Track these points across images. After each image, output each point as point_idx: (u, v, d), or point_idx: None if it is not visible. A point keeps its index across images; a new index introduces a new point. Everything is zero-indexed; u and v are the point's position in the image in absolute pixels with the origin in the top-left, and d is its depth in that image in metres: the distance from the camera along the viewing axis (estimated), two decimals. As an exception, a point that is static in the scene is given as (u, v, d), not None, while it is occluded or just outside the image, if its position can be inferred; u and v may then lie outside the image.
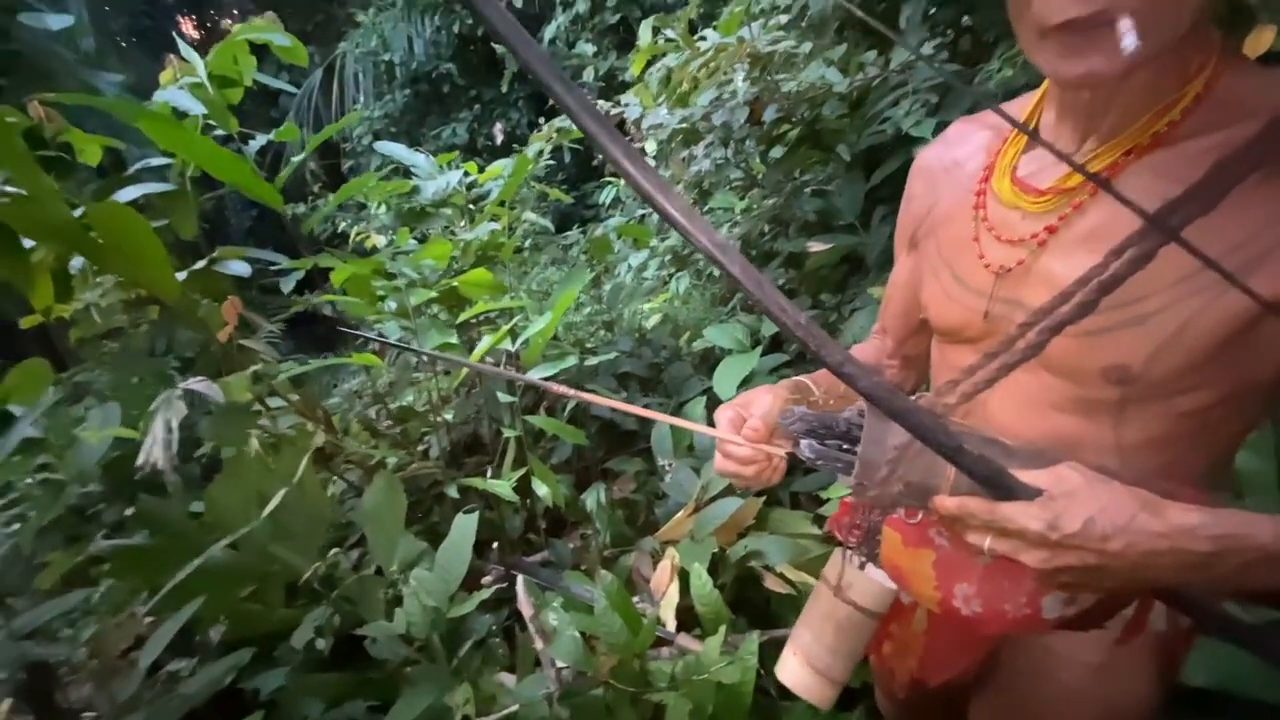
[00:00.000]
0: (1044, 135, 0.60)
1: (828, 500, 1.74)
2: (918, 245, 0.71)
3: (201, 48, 2.12)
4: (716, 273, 2.78)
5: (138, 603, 1.46)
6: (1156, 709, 0.64)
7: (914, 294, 0.73)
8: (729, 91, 1.86)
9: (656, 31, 2.57)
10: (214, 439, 1.28)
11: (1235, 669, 0.87)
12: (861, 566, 0.65)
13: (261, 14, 2.31)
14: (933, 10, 1.79)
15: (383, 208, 3.24)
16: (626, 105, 2.38)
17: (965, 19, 1.72)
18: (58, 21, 3.16)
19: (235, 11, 10.42)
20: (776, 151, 2.31)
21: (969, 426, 0.56)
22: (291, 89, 2.68)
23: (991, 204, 0.61)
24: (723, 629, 1.19)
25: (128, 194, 1.96)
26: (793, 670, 0.68)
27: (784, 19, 1.96)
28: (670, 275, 3.14)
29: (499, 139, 6.84)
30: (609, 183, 5.17)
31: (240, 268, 2.14)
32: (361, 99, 7.45)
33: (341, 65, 7.50)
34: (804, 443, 0.53)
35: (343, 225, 5.47)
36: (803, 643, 0.68)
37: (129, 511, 1.50)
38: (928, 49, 1.60)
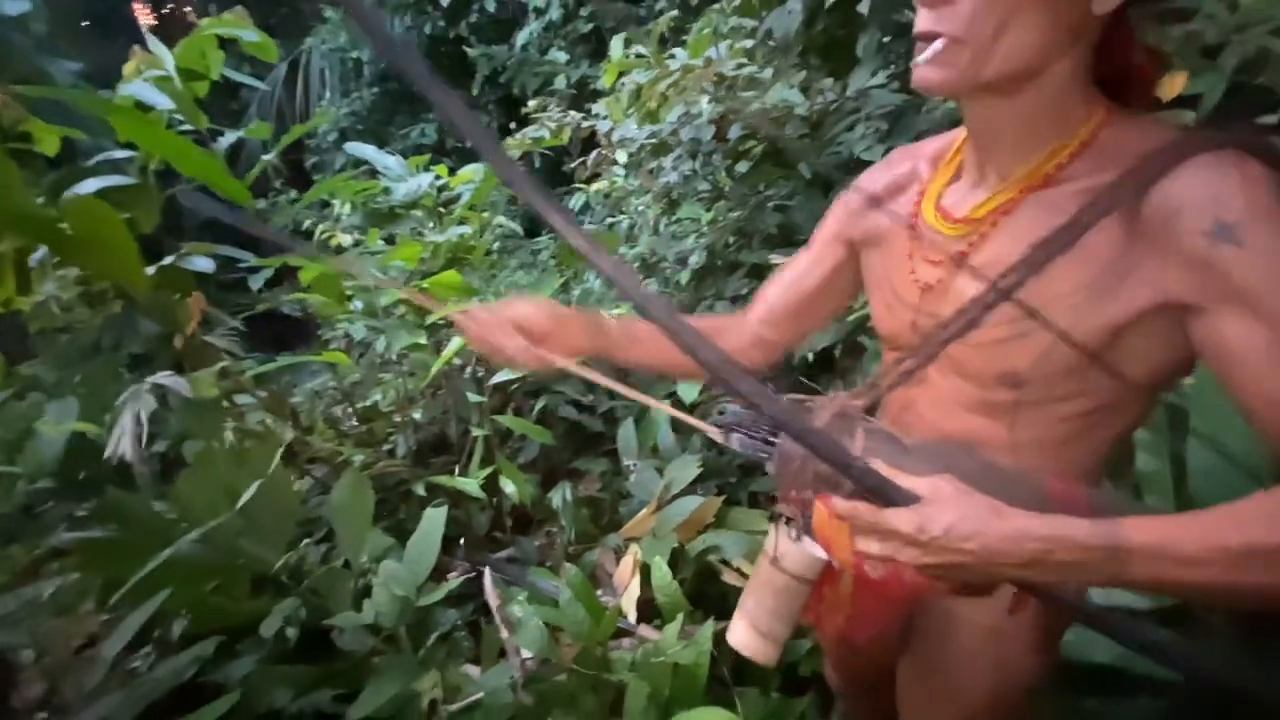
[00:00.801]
0: (966, 168, 0.69)
1: (783, 499, 1.83)
2: (850, 248, 0.81)
3: (157, 34, 2.10)
4: (684, 280, 2.87)
5: (90, 600, 1.44)
6: (1039, 668, 0.73)
7: (808, 285, 0.83)
8: (696, 109, 1.95)
9: (628, 44, 2.65)
10: (186, 433, 1.29)
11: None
12: (797, 539, 0.73)
13: (221, 3, 2.31)
14: (886, 40, 1.91)
15: (348, 207, 3.24)
16: (598, 116, 2.45)
17: (916, 50, 1.83)
18: (14, 6, 3.08)
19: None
20: (742, 166, 2.41)
21: (877, 424, 0.64)
22: (258, 84, 2.68)
23: (922, 226, 0.70)
24: (680, 616, 1.26)
25: (88, 186, 1.94)
26: (739, 633, 0.76)
27: (749, 43, 2.06)
28: (640, 282, 3.22)
29: (469, 141, 6.85)
30: (579, 189, 5.24)
31: (205, 264, 2.13)
32: (328, 95, 7.34)
33: (307, 61, 7.39)
34: (734, 436, 0.61)
35: (307, 223, 5.40)
36: (748, 609, 0.76)
37: (84, 506, 1.49)
38: (880, 78, 1.72)
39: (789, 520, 0.73)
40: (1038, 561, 0.49)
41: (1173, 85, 1.40)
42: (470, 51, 6.35)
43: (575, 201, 5.01)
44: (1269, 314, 0.49)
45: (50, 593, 1.48)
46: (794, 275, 0.86)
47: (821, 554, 0.73)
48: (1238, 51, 1.42)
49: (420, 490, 1.75)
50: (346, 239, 3.21)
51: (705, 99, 1.87)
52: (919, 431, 0.70)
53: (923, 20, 0.57)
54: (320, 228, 3.45)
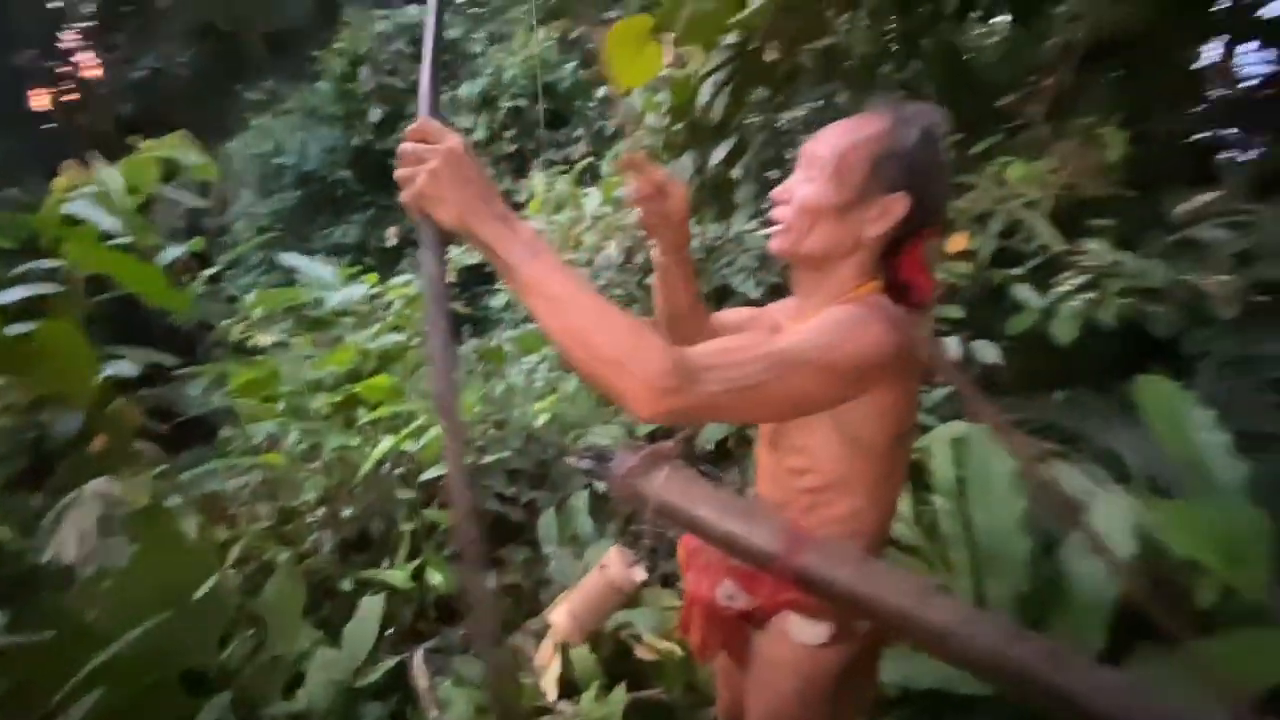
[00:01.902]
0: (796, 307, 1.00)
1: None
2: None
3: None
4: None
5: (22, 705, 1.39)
6: (847, 686, 0.94)
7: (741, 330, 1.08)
8: (605, 254, 2.32)
9: (548, 165, 3.05)
10: (129, 539, 1.35)
11: (919, 669, 1.25)
12: (630, 564, 0.98)
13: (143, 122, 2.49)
14: (758, 191, 2.39)
15: (259, 307, 3.32)
16: None
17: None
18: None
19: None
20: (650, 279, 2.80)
21: (685, 467, 0.90)
22: (201, 202, 2.83)
23: None
24: (595, 684, 1.42)
25: (12, 295, 2.00)
26: (560, 614, 1.01)
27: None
28: (559, 376, 3.46)
29: (392, 241, 7.02)
30: (500, 290, 5.53)
31: (128, 368, 2.19)
32: (247, 196, 7.41)
33: (227, 162, 7.50)
34: (585, 462, 0.88)
35: (215, 321, 5.32)
36: (573, 598, 1.02)
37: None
38: (754, 224, 2.15)
39: (634, 543, 1.00)
40: (471, 232, 0.68)
41: (956, 243, 1.89)
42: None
43: (498, 300, 5.29)
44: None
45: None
46: (735, 324, 1.08)
47: (637, 578, 0.98)
48: (1002, 218, 1.93)
49: (347, 585, 1.83)
50: (267, 339, 3.29)
51: (613, 243, 2.23)
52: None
53: (774, 210, 0.90)
54: (237, 328, 3.49)
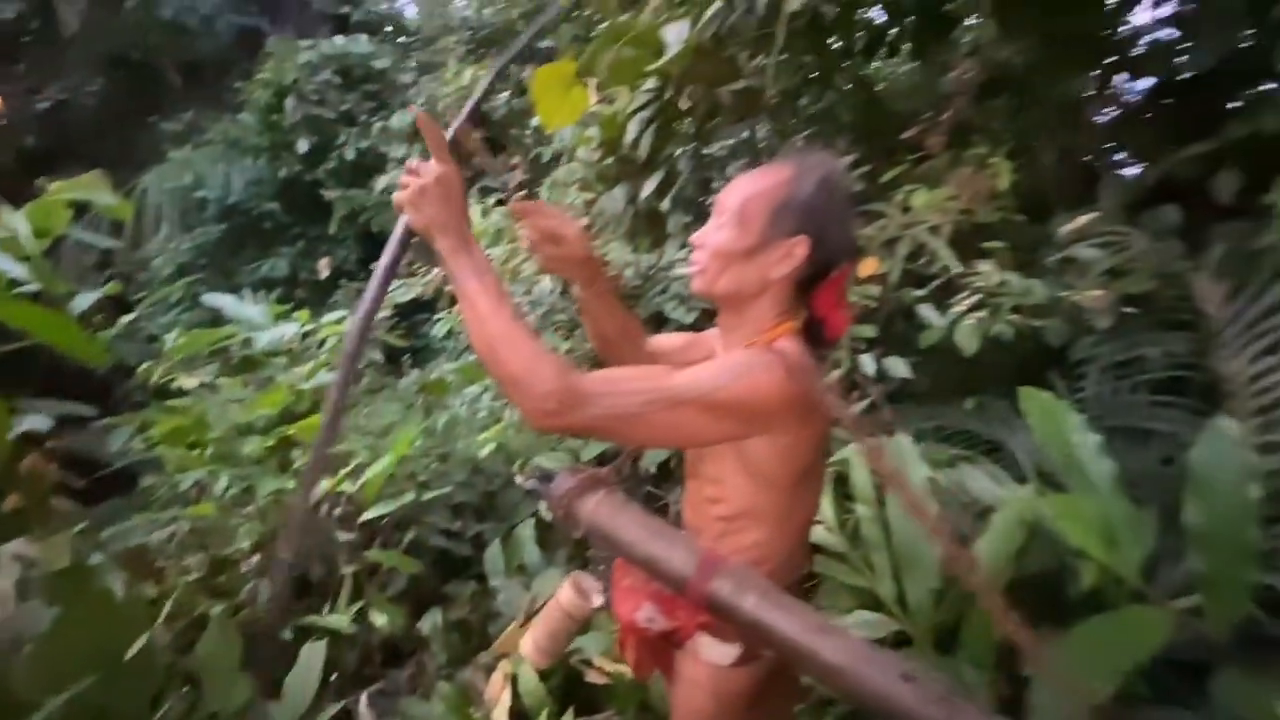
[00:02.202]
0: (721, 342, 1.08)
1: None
2: None
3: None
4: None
5: None
6: (757, 704, 1.01)
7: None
8: (540, 286, 2.38)
9: (486, 194, 3.09)
10: (50, 601, 1.28)
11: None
12: (581, 595, 1.04)
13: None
14: (689, 221, 2.50)
15: (183, 350, 3.20)
16: None
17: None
18: None
19: None
20: None
21: (620, 493, 0.97)
22: (114, 244, 2.72)
23: None
24: (545, 711, 1.45)
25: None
26: (526, 643, 1.10)
27: (584, 220, 2.56)
28: (504, 404, 3.45)
29: (324, 273, 6.81)
30: (441, 319, 5.48)
31: (41, 422, 2.08)
32: (165, 231, 7.07)
33: (143, 196, 7.15)
34: (530, 482, 0.94)
35: (133, 362, 5.03)
36: (535, 628, 1.10)
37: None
38: (684, 253, 2.26)
39: (590, 568, 1.06)
40: (434, 241, 0.84)
41: (867, 267, 2.03)
42: (328, 194, 6.55)
43: (439, 328, 5.24)
44: None
45: None
46: (673, 349, 1.14)
47: (592, 605, 1.04)
48: (908, 243, 2.09)
49: (287, 634, 1.78)
50: (191, 381, 3.16)
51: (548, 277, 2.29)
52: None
53: (693, 254, 0.98)
54: (158, 370, 3.34)
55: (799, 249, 0.91)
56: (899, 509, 1.49)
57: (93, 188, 2.47)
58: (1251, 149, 2.05)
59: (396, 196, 0.86)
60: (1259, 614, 1.37)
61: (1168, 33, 2.44)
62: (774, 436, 0.88)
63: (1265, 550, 1.45)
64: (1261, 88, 2.24)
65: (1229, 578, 1.19)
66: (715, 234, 0.95)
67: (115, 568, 1.58)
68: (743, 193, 0.94)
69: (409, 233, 0.91)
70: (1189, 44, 2.25)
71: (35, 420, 2.06)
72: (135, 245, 7.11)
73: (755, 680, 0.98)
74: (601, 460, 2.55)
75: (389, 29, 8.37)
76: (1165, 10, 2.76)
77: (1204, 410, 1.83)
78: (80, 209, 2.34)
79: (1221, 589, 1.20)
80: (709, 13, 1.85)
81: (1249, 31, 2.13)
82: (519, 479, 1.04)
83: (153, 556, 2.13)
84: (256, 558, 2.26)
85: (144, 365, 3.40)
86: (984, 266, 1.91)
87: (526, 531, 2.28)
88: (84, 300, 2.10)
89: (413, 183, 0.85)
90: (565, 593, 1.08)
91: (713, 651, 0.98)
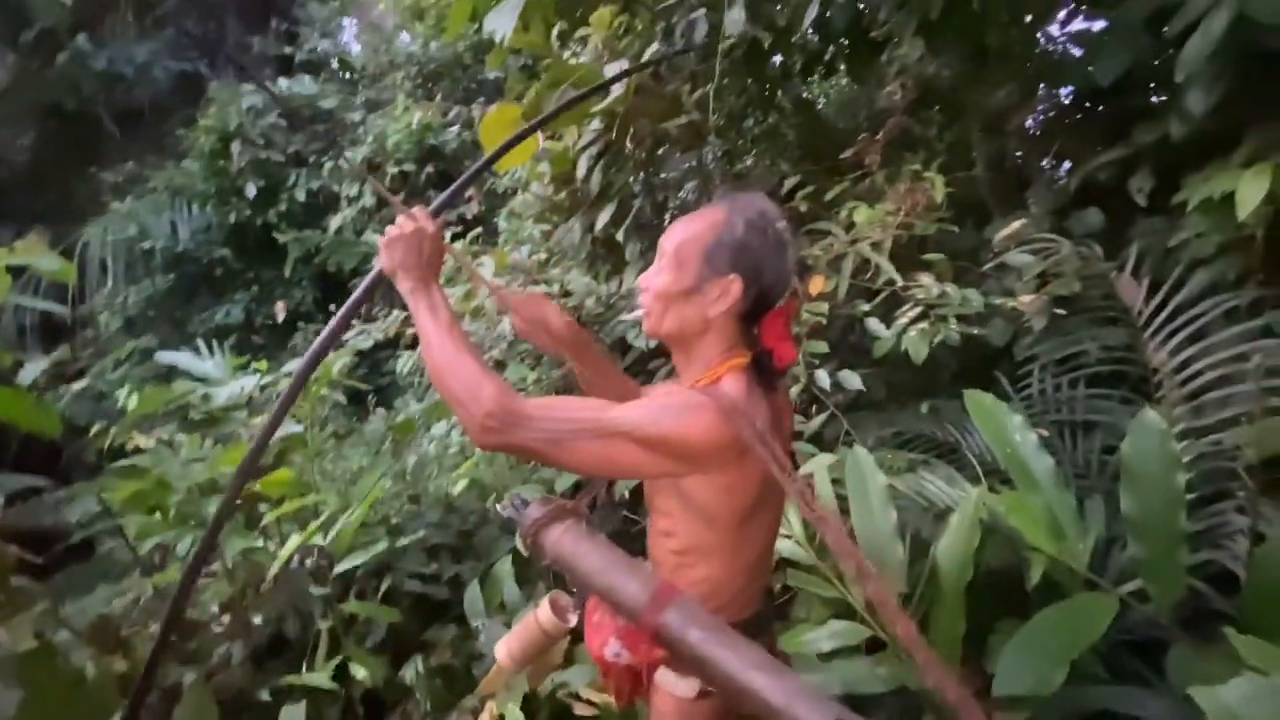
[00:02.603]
0: None
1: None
2: None
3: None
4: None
5: None
6: None
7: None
8: (500, 327, 2.41)
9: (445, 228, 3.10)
10: (17, 684, 1.24)
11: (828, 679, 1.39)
12: (557, 614, 1.07)
13: None
14: (645, 247, 2.56)
15: (133, 400, 3.11)
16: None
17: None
18: None
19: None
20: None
21: (583, 526, 0.99)
22: (62, 309, 2.65)
23: None
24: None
25: None
26: (500, 648, 1.11)
27: (543, 255, 2.61)
28: (473, 439, 3.43)
29: (280, 316, 6.66)
30: (403, 356, 5.42)
31: (-10, 498, 2.01)
32: (110, 284, 6.85)
33: (83, 250, 6.91)
34: (508, 510, 0.98)
35: (82, 422, 4.84)
36: (509, 636, 1.12)
37: None
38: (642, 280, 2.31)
39: (561, 590, 1.10)
40: (398, 282, 0.98)
41: (815, 284, 2.11)
42: (281, 237, 6.45)
43: (402, 364, 5.19)
44: None
45: None
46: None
47: (566, 623, 1.07)
48: (852, 259, 2.18)
49: (265, 696, 1.75)
50: (147, 441, 3.08)
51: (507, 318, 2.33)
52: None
53: (640, 297, 1.04)
54: (112, 430, 3.24)
55: (734, 286, 0.95)
56: (863, 518, 1.55)
57: (32, 252, 2.41)
58: (1163, 151, 2.20)
59: (380, 240, 1.00)
60: (1205, 589, 1.48)
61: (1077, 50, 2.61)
62: (710, 476, 0.92)
63: (1204, 528, 1.57)
64: (1165, 97, 2.42)
65: (1165, 561, 1.27)
66: (656, 277, 1.01)
67: (81, 644, 1.54)
68: (678, 237, 1.00)
69: (379, 274, 1.05)
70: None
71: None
72: (80, 300, 6.88)
73: (720, 713, 1.01)
74: (577, 488, 2.57)
75: (334, 66, 8.33)
76: (1075, 26, 2.97)
77: (1139, 400, 1.95)
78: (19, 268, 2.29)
79: (1159, 572, 1.28)
80: (649, 52, 1.92)
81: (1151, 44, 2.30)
82: (498, 506, 1.07)
83: (117, 626, 2.06)
84: (227, 618, 2.21)
85: (97, 427, 3.30)
86: (924, 279, 2.00)
87: (505, 568, 2.28)
88: (32, 370, 2.05)
89: (394, 230, 0.98)
90: (543, 609, 1.09)
91: (675, 686, 1.01)
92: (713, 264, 0.96)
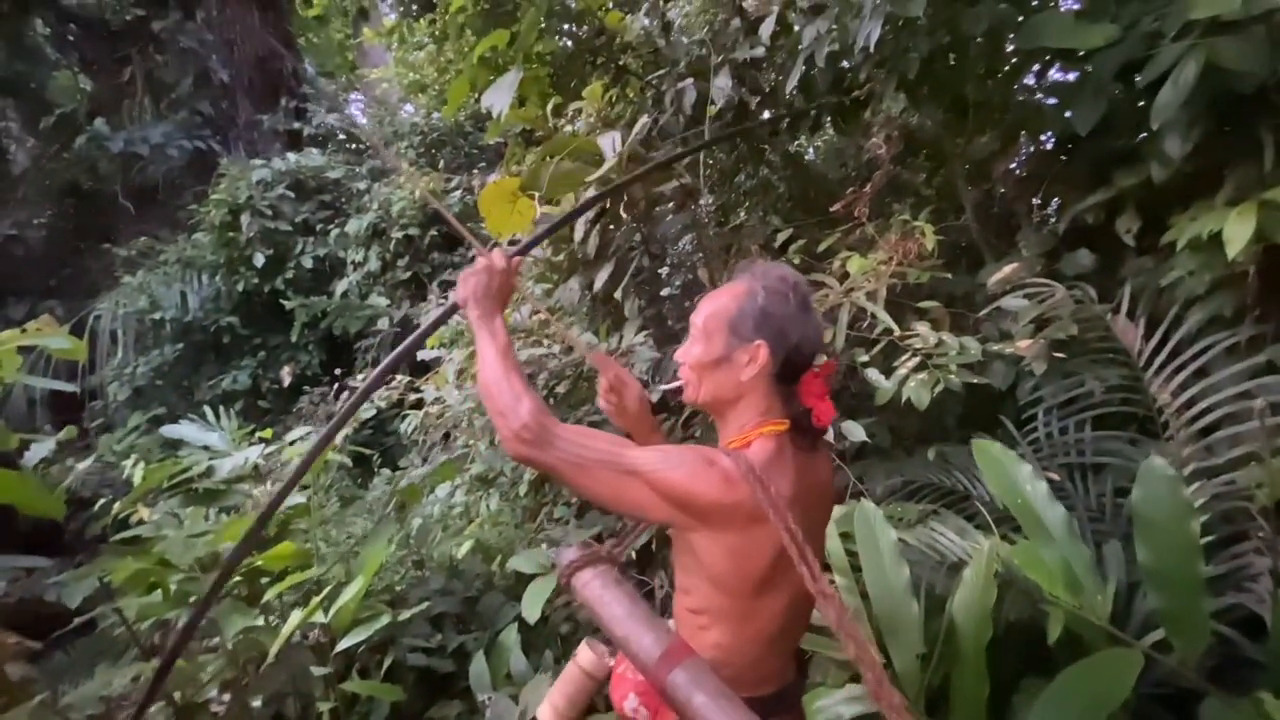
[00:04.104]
0: None
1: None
2: None
3: None
4: (523, 490, 3.13)
5: None
6: None
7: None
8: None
9: (448, 289, 3.16)
10: None
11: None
12: (599, 655, 1.09)
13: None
14: (643, 304, 2.60)
15: (139, 471, 3.11)
16: (422, 390, 2.86)
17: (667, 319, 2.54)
18: None
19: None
20: (562, 387, 2.91)
21: (612, 571, 0.99)
22: (70, 387, 2.68)
23: None
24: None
25: None
26: (543, 709, 1.09)
27: (542, 315, 2.64)
28: (480, 498, 3.39)
29: (287, 380, 6.71)
30: (408, 414, 5.43)
31: (-8, 582, 1.99)
32: (120, 355, 6.96)
33: (95, 322, 7.05)
34: (551, 551, 0.98)
35: (86, 493, 4.82)
36: (553, 692, 1.10)
37: None
38: (640, 336, 2.33)
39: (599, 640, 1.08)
40: (466, 311, 1.10)
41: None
42: (288, 303, 6.57)
43: (406, 425, 5.19)
44: None
45: None
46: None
47: (609, 662, 1.07)
48: (848, 309, 2.19)
49: (263, 786, 1.67)
50: (150, 513, 3.06)
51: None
52: None
53: (679, 370, 1.09)
54: (116, 505, 3.22)
55: (761, 351, 1.00)
56: (874, 576, 1.52)
57: (44, 332, 2.46)
58: (1147, 192, 2.24)
59: (462, 274, 1.13)
60: (1234, 635, 1.42)
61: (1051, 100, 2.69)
62: (715, 534, 0.93)
63: (1227, 572, 1.52)
64: (1145, 136, 2.47)
65: (1186, 611, 1.23)
66: (689, 350, 1.08)
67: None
68: (705, 311, 1.07)
69: (452, 306, 1.23)
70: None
71: (-16, 582, 1.97)
72: (90, 371, 6.98)
73: None
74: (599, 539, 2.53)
75: (341, 137, 8.66)
76: (1051, 76, 3.07)
77: (1147, 440, 1.93)
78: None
79: (1181, 622, 1.24)
80: (640, 123, 2.00)
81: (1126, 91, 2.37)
82: (544, 546, 1.13)
83: (116, 710, 2.00)
84: (228, 697, 2.14)
85: (101, 502, 3.29)
86: (921, 328, 2.01)
87: (510, 637, 2.22)
88: (39, 451, 2.06)
89: (473, 266, 1.11)
90: (584, 654, 1.11)
91: None
92: (739, 333, 1.02)
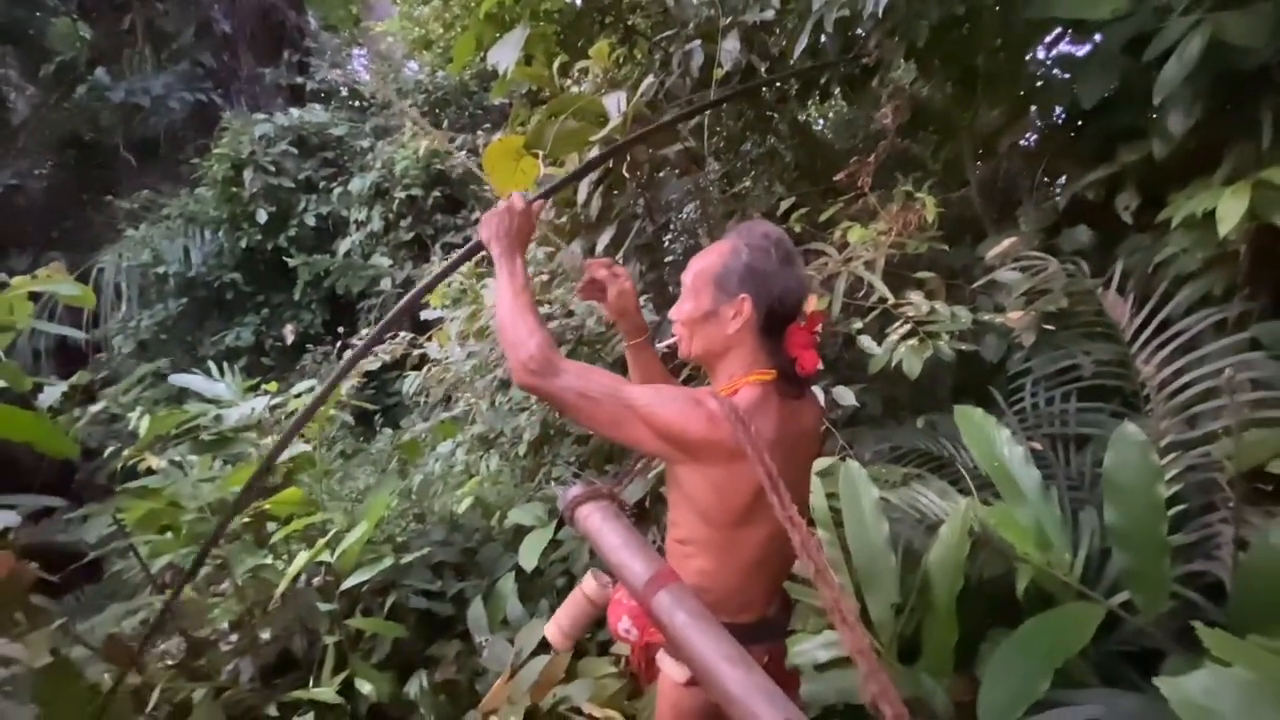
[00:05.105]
0: None
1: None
2: None
3: None
4: (521, 451, 3.21)
5: None
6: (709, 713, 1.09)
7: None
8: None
9: (450, 250, 3.19)
10: (34, 699, 1.28)
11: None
12: (602, 584, 1.17)
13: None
14: (645, 269, 2.63)
15: (145, 422, 3.17)
16: (424, 347, 2.90)
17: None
18: None
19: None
20: (562, 349, 2.96)
21: (612, 507, 1.06)
22: (79, 334, 2.73)
23: None
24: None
25: None
26: (550, 626, 1.20)
27: (544, 276, 2.68)
28: (480, 457, 3.47)
29: (290, 339, 6.77)
30: (408, 375, 5.49)
31: (11, 518, 2.07)
32: (124, 308, 7.00)
33: (99, 275, 7.08)
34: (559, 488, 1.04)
35: (93, 444, 4.91)
36: (559, 612, 1.20)
37: None
38: (642, 300, 2.37)
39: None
40: (489, 248, 1.16)
41: (809, 303, 2.16)
42: (291, 261, 6.58)
43: (409, 385, 5.26)
44: None
45: None
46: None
47: (611, 591, 1.15)
48: (845, 278, 2.23)
49: (273, 711, 1.78)
50: (159, 461, 3.13)
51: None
52: None
53: (673, 326, 1.16)
54: (125, 452, 3.30)
55: (745, 305, 1.06)
56: (856, 530, 1.59)
57: (54, 279, 2.50)
58: (1147, 169, 2.25)
59: (485, 214, 1.19)
60: (1201, 600, 1.49)
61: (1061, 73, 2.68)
62: (700, 468, 1.01)
63: (1196, 540, 1.59)
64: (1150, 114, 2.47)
65: (1150, 572, 1.30)
66: (680, 306, 1.15)
67: (96, 660, 1.58)
68: (693, 270, 1.13)
69: (476, 243, 1.25)
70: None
71: (7, 517, 2.05)
72: (94, 325, 7.03)
73: (709, 701, 1.05)
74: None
75: (344, 94, 8.54)
76: (1062, 48, 3.04)
77: (1130, 414, 1.98)
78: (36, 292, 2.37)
79: (1144, 582, 1.31)
80: (645, 83, 2.00)
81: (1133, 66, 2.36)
82: (554, 486, 1.23)
83: (131, 642, 2.10)
84: (235, 636, 2.24)
85: (110, 449, 3.36)
86: (914, 297, 2.05)
87: (508, 586, 2.31)
88: (51, 394, 2.12)
89: (496, 207, 1.17)
90: (588, 582, 1.20)
91: (671, 669, 1.09)
92: (724, 288, 1.08)
